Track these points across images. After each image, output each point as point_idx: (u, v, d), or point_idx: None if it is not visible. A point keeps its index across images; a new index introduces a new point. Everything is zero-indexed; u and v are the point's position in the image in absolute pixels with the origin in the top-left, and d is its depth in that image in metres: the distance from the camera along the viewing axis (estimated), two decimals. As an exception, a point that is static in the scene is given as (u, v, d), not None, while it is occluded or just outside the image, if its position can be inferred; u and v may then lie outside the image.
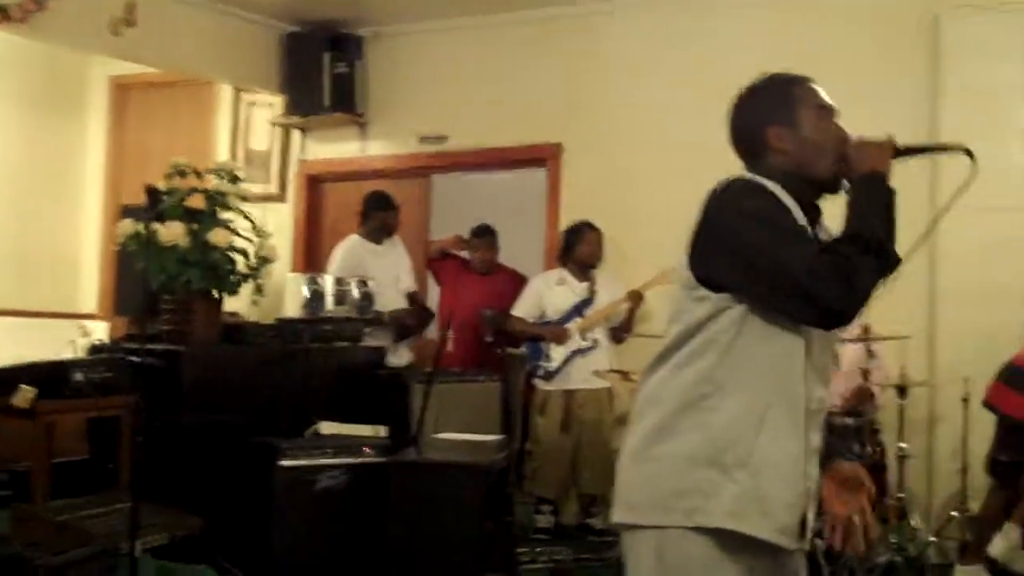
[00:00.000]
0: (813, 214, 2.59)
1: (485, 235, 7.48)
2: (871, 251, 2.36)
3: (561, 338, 6.71)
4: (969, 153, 2.53)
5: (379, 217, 7.24)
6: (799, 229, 2.44)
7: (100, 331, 6.57)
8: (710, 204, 2.48)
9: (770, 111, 2.63)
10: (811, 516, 2.55)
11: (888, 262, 2.40)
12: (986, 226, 6.25)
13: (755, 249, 2.38)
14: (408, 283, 7.30)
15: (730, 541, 2.42)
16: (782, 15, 6.97)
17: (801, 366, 2.47)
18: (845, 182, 2.55)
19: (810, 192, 2.58)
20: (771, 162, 2.58)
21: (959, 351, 6.24)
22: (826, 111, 2.63)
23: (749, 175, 2.55)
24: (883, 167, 2.50)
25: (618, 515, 2.56)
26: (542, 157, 7.71)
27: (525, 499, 6.73)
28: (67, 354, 5.18)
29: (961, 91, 6.41)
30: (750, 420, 2.43)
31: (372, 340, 6.50)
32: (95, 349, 5.27)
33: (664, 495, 2.45)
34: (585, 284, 6.82)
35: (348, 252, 7.09)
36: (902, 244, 2.49)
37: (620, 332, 6.78)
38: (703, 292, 2.45)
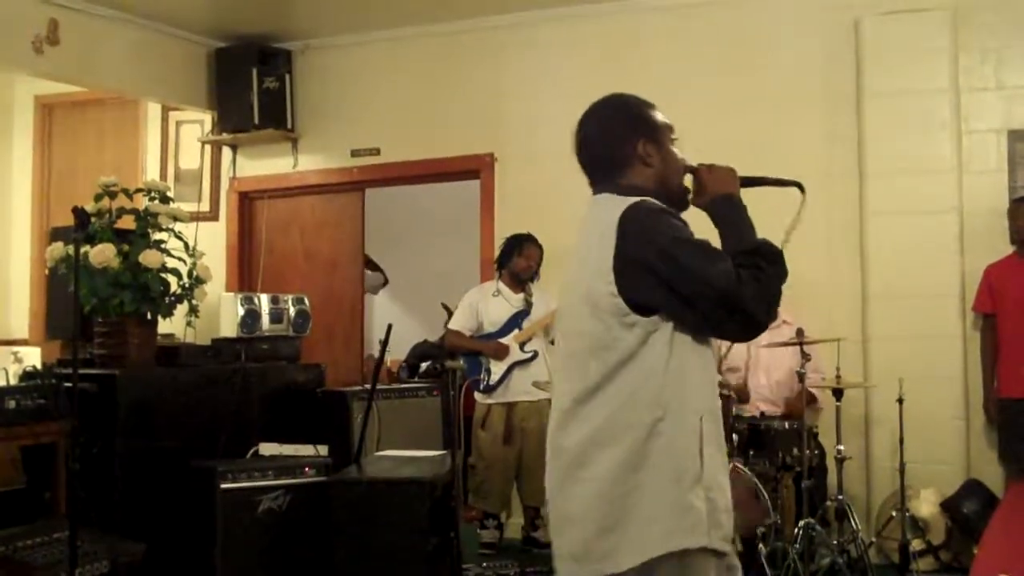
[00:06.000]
0: None
1: None
2: (774, 261, 2.49)
3: (501, 354, 6.69)
4: (800, 187, 2.76)
5: None
6: (708, 244, 2.52)
7: (32, 357, 6.43)
8: (625, 232, 2.51)
9: (637, 126, 2.71)
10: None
11: (785, 270, 2.51)
12: (914, 229, 6.37)
13: (683, 272, 2.44)
14: None
15: (714, 563, 2.49)
16: (709, 23, 7.05)
17: (715, 374, 2.60)
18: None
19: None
20: (634, 177, 2.67)
21: (892, 352, 6.33)
22: (672, 133, 2.74)
23: (646, 199, 2.58)
24: (737, 191, 2.67)
25: (582, 570, 2.54)
26: (475, 168, 7.69)
27: (470, 514, 6.73)
28: (-2, 381, 5.07)
29: (884, 94, 6.50)
30: (694, 436, 2.49)
31: None
32: (28, 375, 5.15)
33: (638, 528, 2.46)
34: (521, 295, 6.81)
35: None
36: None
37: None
38: (633, 317, 2.48)
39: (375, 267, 9.44)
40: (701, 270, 2.42)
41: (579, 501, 2.54)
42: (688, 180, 2.75)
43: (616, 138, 2.71)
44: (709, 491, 2.48)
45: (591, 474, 2.51)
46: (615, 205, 2.56)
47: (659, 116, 2.74)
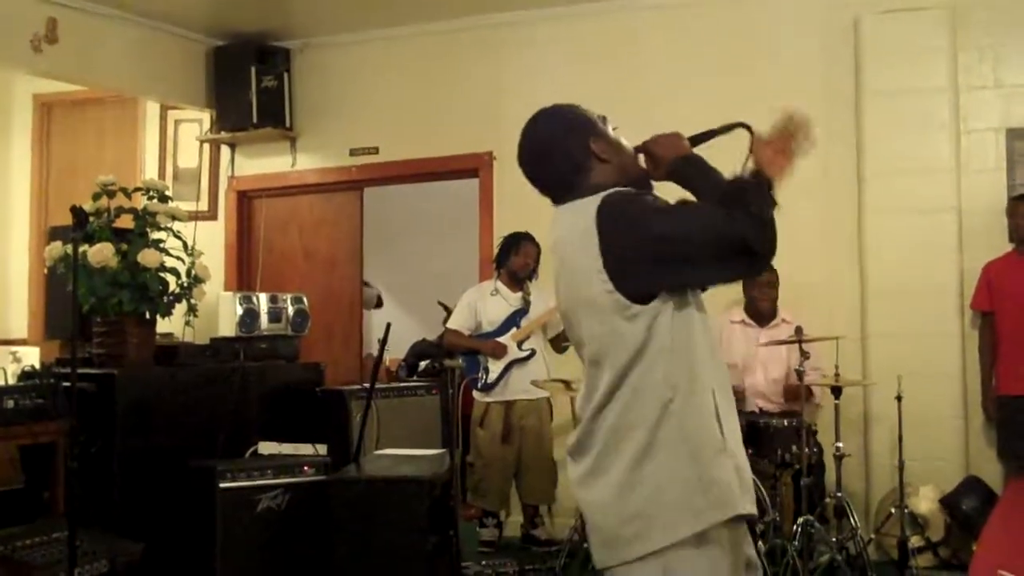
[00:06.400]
0: None
1: None
2: (759, 191, 2.46)
3: (499, 353, 6.69)
4: (747, 127, 2.69)
5: None
6: (684, 204, 2.57)
7: (31, 356, 6.43)
8: (603, 227, 2.51)
9: (582, 129, 2.71)
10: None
11: (770, 197, 2.48)
12: (914, 227, 6.37)
13: (671, 240, 2.46)
14: None
15: (727, 535, 2.49)
16: (708, 22, 7.05)
17: (714, 342, 2.61)
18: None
19: None
20: (596, 177, 2.66)
21: (891, 350, 6.34)
22: (610, 123, 2.77)
23: (615, 191, 2.59)
24: (688, 150, 2.68)
25: (612, 556, 2.55)
26: (474, 167, 7.69)
27: (469, 512, 6.72)
28: (-4, 381, 5.06)
29: (883, 93, 6.51)
30: (709, 411, 2.51)
31: None
32: (26, 375, 5.13)
33: (664, 511, 2.47)
34: (519, 294, 6.81)
35: None
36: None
37: (561, 341, 6.70)
38: (636, 308, 2.49)
39: (368, 285, 9.40)
40: (687, 230, 2.45)
41: (602, 493, 2.55)
42: (642, 160, 2.74)
43: (569, 148, 2.70)
44: (734, 456, 2.52)
45: (610, 466, 2.53)
46: (585, 207, 2.57)
47: (592, 112, 2.76)
